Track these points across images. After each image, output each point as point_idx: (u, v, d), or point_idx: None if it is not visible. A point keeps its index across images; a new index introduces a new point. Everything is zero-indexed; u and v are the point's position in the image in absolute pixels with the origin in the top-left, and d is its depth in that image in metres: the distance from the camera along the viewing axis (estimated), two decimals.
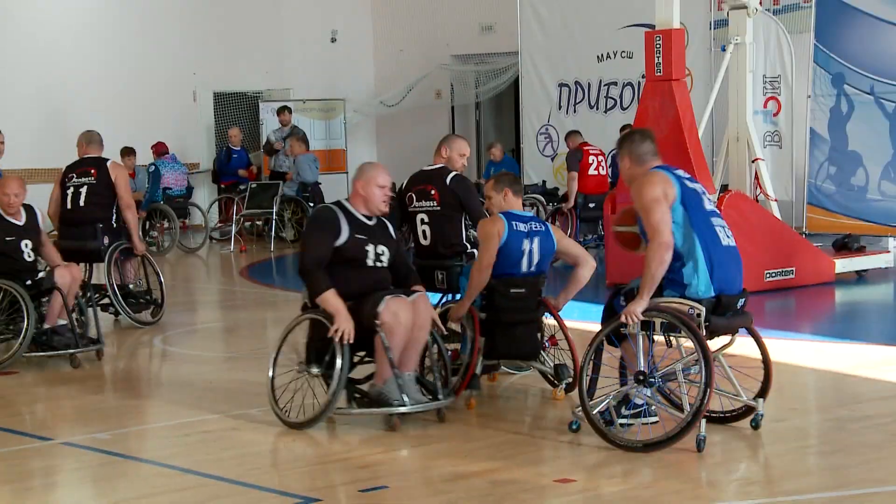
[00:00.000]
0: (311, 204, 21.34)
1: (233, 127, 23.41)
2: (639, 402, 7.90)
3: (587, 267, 9.05)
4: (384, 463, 7.65)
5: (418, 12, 25.26)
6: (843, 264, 15.13)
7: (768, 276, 14.03)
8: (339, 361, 8.09)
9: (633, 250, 8.31)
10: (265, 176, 22.69)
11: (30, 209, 11.12)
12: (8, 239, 10.84)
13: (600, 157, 18.42)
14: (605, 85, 20.79)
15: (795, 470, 7.49)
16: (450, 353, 8.83)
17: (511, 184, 9.04)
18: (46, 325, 10.83)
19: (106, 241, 12.48)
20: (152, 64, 23.37)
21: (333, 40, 25.57)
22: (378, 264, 8.41)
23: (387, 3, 25.91)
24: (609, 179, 18.45)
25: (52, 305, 10.83)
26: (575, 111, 21.00)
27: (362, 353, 8.44)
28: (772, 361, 8.01)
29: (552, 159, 21.24)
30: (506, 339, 8.85)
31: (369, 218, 8.44)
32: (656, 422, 7.89)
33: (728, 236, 7.90)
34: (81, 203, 12.49)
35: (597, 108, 20.87)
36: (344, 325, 8.09)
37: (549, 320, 9.12)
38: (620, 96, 20.58)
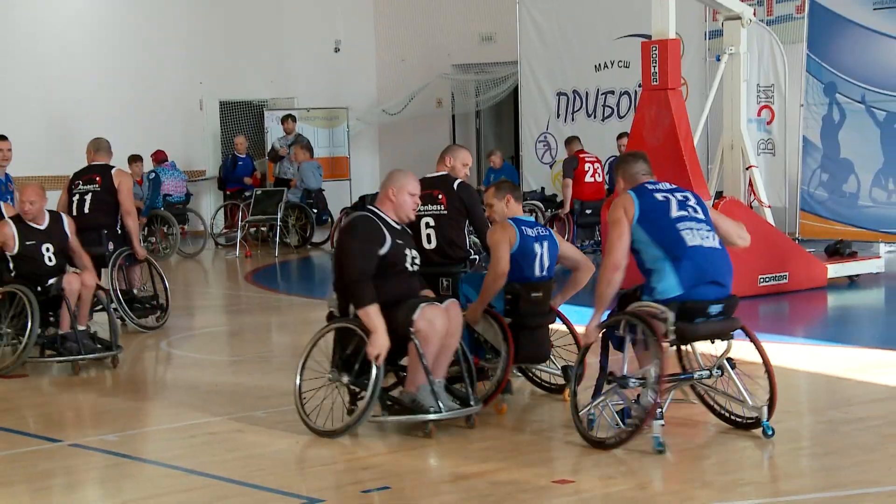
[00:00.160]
0: (315, 210, 21.37)
1: (238, 135, 23.43)
2: (645, 403, 7.87)
3: (586, 271, 9.08)
4: (386, 464, 7.63)
5: (420, 23, 25.28)
6: (836, 269, 15.12)
7: (762, 280, 14.04)
8: (374, 372, 7.94)
9: None
10: (270, 183, 22.70)
11: (55, 215, 11.12)
12: (28, 243, 10.83)
13: (596, 165, 18.42)
14: (602, 94, 20.80)
15: (789, 471, 7.48)
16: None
17: (512, 190, 9.05)
18: (61, 331, 10.79)
19: (111, 246, 12.48)
20: (160, 73, 23.38)
21: (337, 50, 25.58)
22: (413, 268, 8.31)
23: (389, 13, 25.92)
24: (606, 186, 18.45)
25: (63, 311, 10.81)
26: (573, 119, 21.00)
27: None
28: (774, 373, 7.91)
29: (551, 166, 21.25)
30: (529, 342, 8.83)
31: (396, 223, 8.33)
32: (662, 424, 7.89)
33: (704, 237, 7.81)
34: (86, 210, 12.49)
35: (594, 117, 20.88)
36: (382, 346, 7.94)
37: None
38: (618, 105, 20.59)
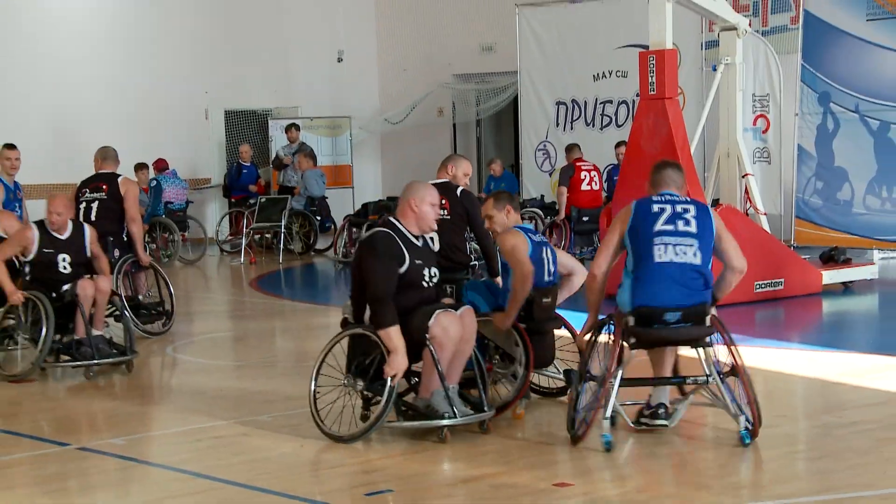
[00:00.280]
0: (318, 217, 21.38)
1: (243, 143, 23.44)
2: (652, 404, 8.10)
3: (580, 275, 9.10)
4: (389, 467, 7.63)
5: (421, 33, 25.30)
6: (830, 276, 15.12)
7: (758, 287, 14.04)
8: (388, 384, 7.91)
9: None
10: (274, 190, 22.71)
11: (78, 226, 11.11)
12: (46, 251, 10.82)
13: (593, 173, 18.40)
14: (600, 103, 20.82)
15: (785, 474, 7.48)
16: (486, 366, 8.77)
17: (510, 200, 9.05)
18: (76, 336, 10.76)
19: (116, 253, 12.48)
20: (166, 84, 23.40)
21: (340, 60, 25.60)
22: (431, 283, 8.26)
23: (391, 24, 25.94)
24: (604, 194, 18.45)
25: (78, 316, 10.79)
26: (572, 128, 21.02)
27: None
28: (748, 383, 7.88)
29: (550, 174, 21.26)
30: (540, 347, 8.82)
31: (417, 237, 8.24)
32: (666, 425, 8.01)
33: (679, 252, 7.89)
34: (93, 217, 12.49)
35: (593, 126, 20.89)
36: (400, 367, 7.92)
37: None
38: (616, 114, 20.60)
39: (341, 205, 22.91)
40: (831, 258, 15.69)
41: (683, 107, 16.69)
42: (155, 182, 20.70)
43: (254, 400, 9.68)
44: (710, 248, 8.01)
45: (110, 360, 10.79)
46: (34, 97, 21.92)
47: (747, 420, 7.80)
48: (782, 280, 14.39)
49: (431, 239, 8.50)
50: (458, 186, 9.63)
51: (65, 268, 10.87)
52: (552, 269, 8.90)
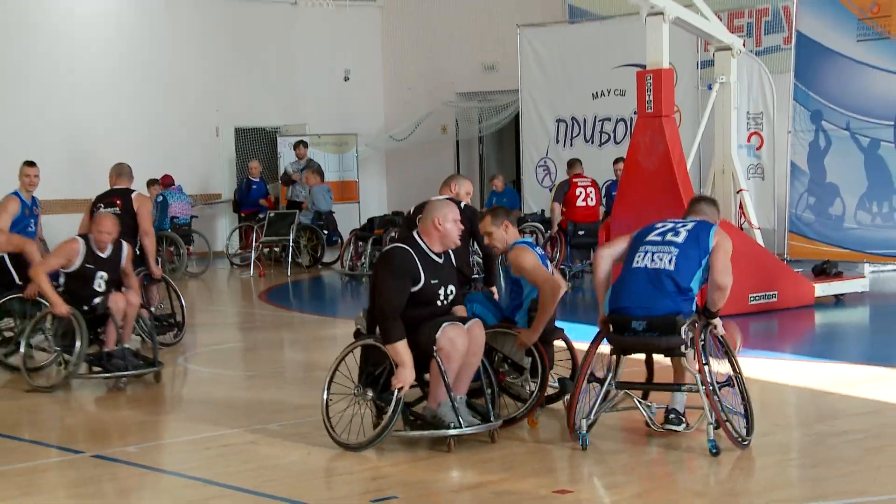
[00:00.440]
0: (325, 231, 21.38)
1: (252, 160, 23.47)
2: (678, 408, 8.19)
3: (562, 289, 9.13)
4: (394, 474, 7.62)
5: (425, 53, 25.34)
6: (822, 288, 15.10)
7: (752, 299, 14.03)
8: (396, 395, 7.90)
9: None
10: (282, 205, 22.72)
11: (118, 245, 10.96)
12: (87, 266, 10.72)
13: (590, 189, 18.36)
14: (599, 121, 20.82)
15: (779, 481, 7.47)
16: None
17: (507, 215, 9.03)
18: (105, 349, 10.70)
19: None
20: (178, 102, 23.44)
21: (346, 79, 25.63)
22: (446, 302, 8.21)
23: (396, 44, 25.97)
24: (603, 209, 18.43)
25: (108, 330, 10.73)
26: (571, 145, 21.02)
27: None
28: (710, 395, 7.89)
29: (550, 190, 21.21)
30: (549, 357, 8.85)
31: (438, 255, 8.16)
32: (683, 428, 8.10)
33: (655, 258, 7.99)
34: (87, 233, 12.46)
35: (592, 143, 20.90)
36: (407, 380, 7.91)
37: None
38: (614, 131, 20.61)
39: (348, 219, 22.93)
40: (823, 271, 15.67)
41: (680, 124, 16.69)
42: (161, 198, 20.70)
43: (263, 409, 9.67)
44: (696, 260, 7.99)
45: (141, 371, 10.73)
46: (51, 115, 21.95)
47: (734, 430, 7.82)
48: (776, 292, 14.38)
49: (452, 255, 8.43)
50: (462, 202, 9.65)
51: (100, 285, 10.78)
52: None
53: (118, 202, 12.60)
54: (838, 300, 15.26)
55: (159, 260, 19.09)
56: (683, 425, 8.15)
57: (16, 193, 12.89)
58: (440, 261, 8.16)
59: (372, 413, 8.30)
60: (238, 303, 18.32)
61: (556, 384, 9.05)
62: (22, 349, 10.79)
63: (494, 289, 9.80)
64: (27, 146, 20.57)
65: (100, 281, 10.79)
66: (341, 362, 8.34)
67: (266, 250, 21.83)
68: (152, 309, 12.88)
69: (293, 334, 14.74)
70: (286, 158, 23.56)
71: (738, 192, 15.43)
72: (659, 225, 8.21)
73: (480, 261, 10.03)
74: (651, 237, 8.14)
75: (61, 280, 10.77)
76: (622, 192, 14.92)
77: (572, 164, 18.88)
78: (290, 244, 20.72)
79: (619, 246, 8.34)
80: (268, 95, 24.65)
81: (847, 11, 16.20)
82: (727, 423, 7.79)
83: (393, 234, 17.79)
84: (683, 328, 7.86)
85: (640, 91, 14.32)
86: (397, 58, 25.93)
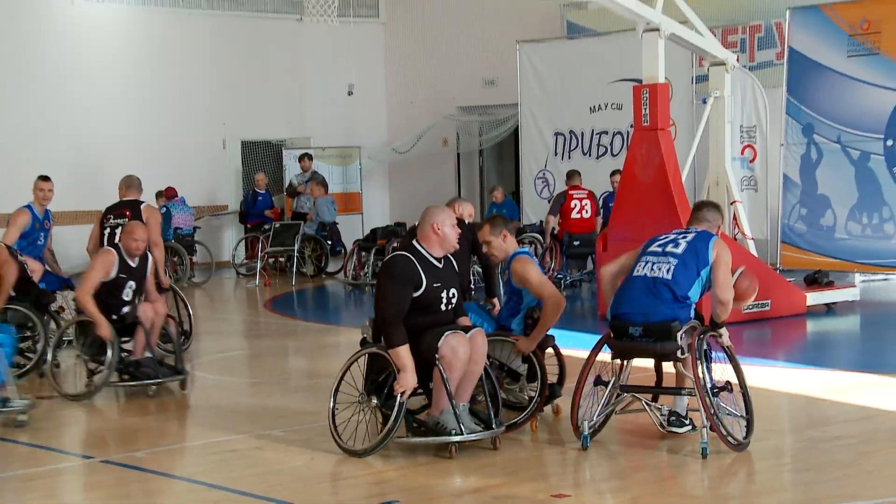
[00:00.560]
0: (329, 242, 21.38)
1: (258, 172, 23.46)
2: (679, 411, 8.29)
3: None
4: (397, 479, 7.61)
5: (427, 68, 25.35)
6: (814, 298, 15.09)
7: (746, 308, 13.99)
8: (398, 400, 7.90)
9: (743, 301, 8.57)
10: (288, 217, 22.71)
11: (143, 255, 10.85)
12: (121, 276, 10.60)
13: (585, 201, 18.36)
14: (596, 134, 20.82)
15: (772, 486, 7.46)
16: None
17: (505, 224, 9.03)
18: (132, 357, 10.57)
19: None
20: (186, 115, 23.45)
21: (350, 93, 25.64)
22: (448, 308, 8.20)
23: (398, 59, 25.99)
24: (600, 219, 18.41)
25: (137, 339, 10.64)
26: (569, 157, 21.01)
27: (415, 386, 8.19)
28: (747, 401, 8.10)
29: (549, 201, 21.23)
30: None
31: (439, 260, 8.16)
32: (687, 430, 8.16)
33: (654, 268, 8.12)
34: (117, 241, 12.45)
35: (589, 155, 20.89)
36: (408, 384, 7.91)
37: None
38: (611, 144, 20.60)
39: (351, 230, 22.91)
40: (815, 281, 15.66)
41: (675, 137, 16.70)
42: (164, 209, 20.69)
43: (268, 415, 9.66)
44: (694, 270, 8.08)
45: (168, 378, 10.64)
46: (62, 127, 21.95)
47: (727, 433, 7.87)
48: (769, 301, 14.36)
49: (453, 259, 8.45)
50: (465, 222, 9.77)
51: (128, 294, 10.70)
52: None
53: (128, 213, 12.57)
54: (829, 309, 15.24)
55: (166, 270, 19.09)
56: (686, 427, 8.21)
57: (28, 207, 12.89)
58: (440, 265, 8.15)
59: (377, 420, 8.28)
60: (244, 311, 18.30)
61: (547, 389, 9.06)
62: (49, 357, 10.73)
63: (496, 300, 9.77)
64: (37, 158, 20.63)
65: (128, 290, 10.70)
66: (346, 371, 8.32)
67: (271, 260, 21.81)
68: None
69: (297, 342, 14.72)
70: (291, 171, 23.56)
71: (731, 204, 15.43)
72: (662, 237, 8.34)
73: (480, 270, 10.05)
74: (653, 248, 8.27)
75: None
76: (619, 203, 14.91)
77: (571, 175, 18.88)
78: (295, 254, 20.71)
79: (620, 261, 8.45)
80: (274, 109, 24.66)
81: (837, 28, 16.20)
82: (719, 427, 7.82)
83: (395, 244, 17.77)
84: (679, 334, 7.94)
85: (636, 105, 14.32)
86: (400, 73, 25.95)
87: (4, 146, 21.28)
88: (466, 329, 8.19)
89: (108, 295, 10.59)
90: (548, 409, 9.08)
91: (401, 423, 7.94)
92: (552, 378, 8.94)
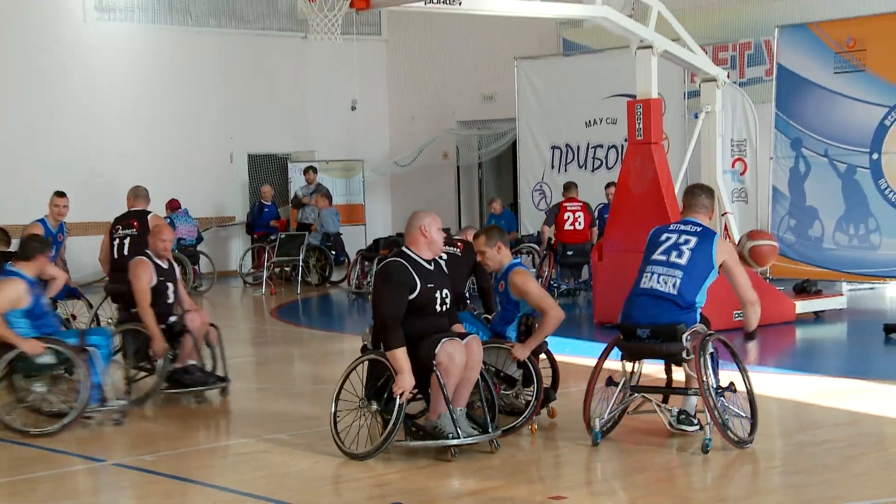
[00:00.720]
0: (333, 252, 21.39)
1: (265, 184, 23.48)
2: (688, 410, 8.38)
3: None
4: (398, 481, 7.60)
5: (428, 84, 25.36)
6: (803, 306, 15.08)
7: (736, 315, 13.94)
8: (397, 404, 7.90)
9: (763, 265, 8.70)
10: (293, 227, 22.71)
11: (168, 259, 10.80)
12: (161, 279, 10.48)
13: (578, 213, 18.33)
14: (592, 147, 20.82)
15: (763, 488, 7.46)
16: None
17: (500, 237, 9.03)
18: (177, 365, 10.43)
19: None
20: (195, 130, 23.47)
21: (353, 109, 25.64)
22: (444, 308, 8.20)
23: (400, 76, 26.01)
24: (596, 230, 18.40)
25: (184, 347, 10.49)
26: (566, 170, 21.01)
27: (415, 391, 8.20)
28: (752, 400, 8.23)
29: (545, 213, 21.23)
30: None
31: (429, 262, 8.20)
32: (695, 429, 8.24)
33: (661, 281, 8.20)
34: (126, 252, 12.41)
35: (585, 168, 20.89)
36: (406, 385, 7.91)
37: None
38: (606, 157, 20.61)
39: (354, 240, 22.91)
40: (804, 289, 15.66)
41: (668, 151, 16.69)
42: (169, 220, 20.69)
43: (274, 419, 9.65)
44: (701, 277, 8.20)
45: (213, 385, 10.54)
46: (75, 142, 21.96)
47: (731, 432, 7.97)
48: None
49: (442, 261, 8.47)
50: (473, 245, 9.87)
51: (170, 297, 10.56)
52: None
53: (135, 224, 12.56)
54: (818, 317, 15.24)
55: None
56: (694, 427, 8.31)
57: (42, 221, 12.90)
58: (431, 268, 8.20)
59: (378, 424, 8.27)
60: (251, 319, 18.30)
61: (542, 394, 9.07)
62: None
63: (491, 317, 9.79)
64: (52, 172, 20.64)
65: (169, 293, 10.56)
66: (347, 378, 8.32)
67: (277, 270, 21.81)
68: None
69: (302, 349, 14.72)
70: (296, 183, 23.57)
71: (723, 215, 15.42)
72: (663, 238, 8.34)
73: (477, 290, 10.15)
74: (657, 255, 8.29)
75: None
76: (614, 214, 14.92)
77: (567, 187, 18.89)
78: (300, 264, 20.71)
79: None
80: (279, 124, 24.67)
81: (825, 45, 16.22)
82: (722, 426, 7.93)
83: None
84: (685, 336, 8.07)
85: (630, 119, 14.34)
86: (401, 88, 25.97)
87: (17, 161, 21.29)
88: (462, 336, 8.20)
89: (156, 305, 10.40)
90: (543, 412, 9.06)
91: (400, 426, 7.94)
92: (547, 383, 8.95)
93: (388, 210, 26.20)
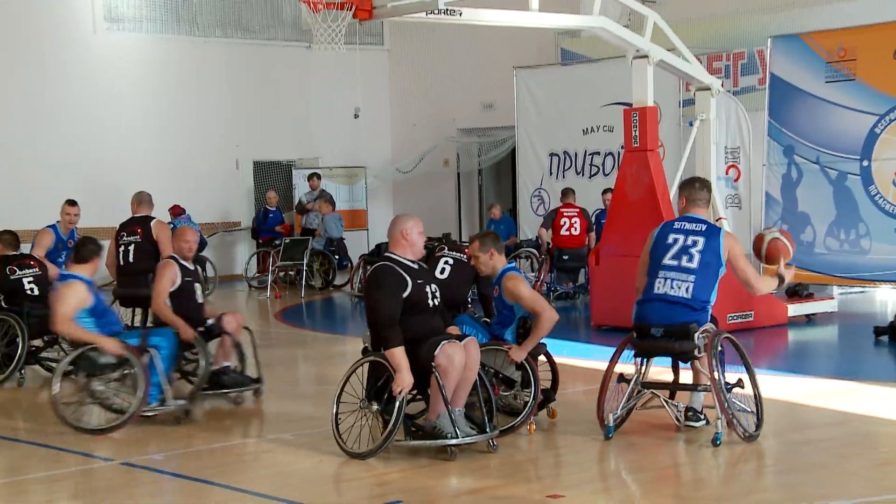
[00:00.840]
0: (337, 257, 21.39)
1: (269, 190, 23.48)
2: (695, 406, 8.55)
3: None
4: (398, 481, 7.60)
5: (429, 92, 25.38)
6: (795, 309, 15.09)
7: (730, 318, 14.00)
8: (397, 403, 7.91)
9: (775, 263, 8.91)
10: (297, 232, 22.71)
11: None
12: (187, 279, 10.29)
13: (574, 219, 18.34)
14: (589, 154, 20.82)
15: (756, 487, 7.45)
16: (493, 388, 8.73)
17: (494, 243, 9.03)
18: (214, 367, 10.22)
19: None
20: (202, 137, 23.49)
21: (356, 116, 25.66)
22: (435, 302, 8.24)
23: (402, 84, 26.03)
24: (593, 235, 18.40)
25: (222, 348, 10.38)
26: (563, 177, 21.00)
27: (414, 391, 8.20)
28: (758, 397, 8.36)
29: (544, 218, 21.23)
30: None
31: (413, 262, 8.25)
32: (703, 424, 8.43)
33: (674, 286, 8.32)
34: (131, 259, 12.42)
35: (582, 175, 20.89)
36: (405, 383, 7.92)
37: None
38: (603, 164, 20.60)
39: (357, 245, 22.92)
40: (796, 293, 15.66)
41: (663, 158, 16.69)
42: (172, 226, 20.64)
43: (278, 420, 9.65)
44: (712, 276, 8.39)
45: (251, 386, 10.42)
46: (83, 150, 21.98)
47: (741, 427, 8.14)
48: (752, 312, 14.37)
49: (448, 266, 8.51)
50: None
51: (200, 297, 10.40)
52: None
53: (139, 230, 12.56)
54: (809, 319, 15.24)
55: None
56: (701, 422, 8.48)
57: (53, 227, 12.92)
58: (416, 267, 8.27)
59: (379, 424, 8.27)
60: (255, 322, 18.28)
61: (541, 395, 9.05)
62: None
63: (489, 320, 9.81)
64: (59, 179, 20.69)
65: (198, 293, 10.39)
66: (347, 380, 8.32)
67: (281, 274, 21.81)
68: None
69: (306, 351, 14.71)
70: (300, 189, 23.57)
71: (717, 221, 15.40)
72: (670, 240, 8.44)
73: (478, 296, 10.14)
74: (668, 261, 8.40)
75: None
76: (610, 220, 14.92)
77: (565, 193, 18.90)
78: (304, 268, 20.72)
79: (639, 275, 8.62)
80: (284, 132, 24.69)
81: (816, 55, 16.20)
82: (733, 419, 8.11)
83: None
84: (697, 335, 8.23)
85: (626, 127, 14.34)
86: (403, 97, 25.98)
87: (28, 166, 21.30)
88: (459, 338, 8.22)
89: (186, 305, 10.20)
90: (543, 413, 9.06)
91: (400, 426, 7.93)
92: (545, 384, 8.95)
93: (390, 215, 25.98)
